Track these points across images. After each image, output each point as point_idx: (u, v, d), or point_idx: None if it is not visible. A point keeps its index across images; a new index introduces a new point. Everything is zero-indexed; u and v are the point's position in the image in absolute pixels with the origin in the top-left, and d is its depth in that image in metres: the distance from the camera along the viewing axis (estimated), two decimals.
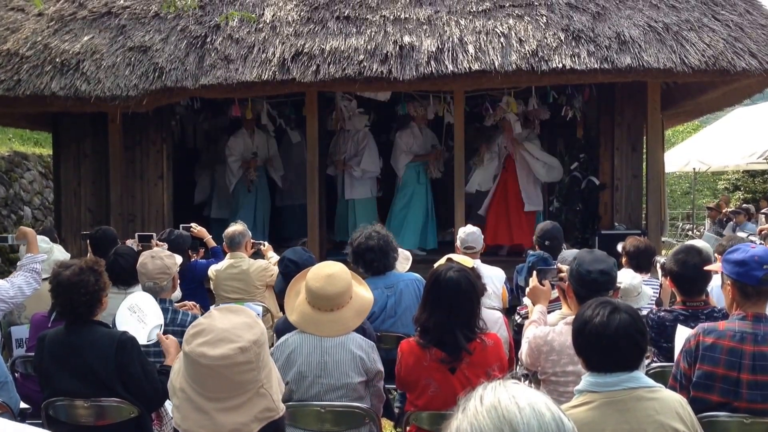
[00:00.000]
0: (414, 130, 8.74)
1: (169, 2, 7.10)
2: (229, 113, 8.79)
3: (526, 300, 4.37)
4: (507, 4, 7.46)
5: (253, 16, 7.50)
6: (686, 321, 3.37)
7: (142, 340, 3.27)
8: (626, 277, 4.16)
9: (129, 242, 5.55)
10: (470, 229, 5.36)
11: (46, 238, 4.97)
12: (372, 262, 4.25)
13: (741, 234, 9.54)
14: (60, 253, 5.06)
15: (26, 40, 7.65)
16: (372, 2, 7.62)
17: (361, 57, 6.99)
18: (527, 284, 4.00)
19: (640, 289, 4.16)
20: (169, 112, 8.42)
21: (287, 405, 3.05)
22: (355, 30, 7.33)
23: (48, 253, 4.62)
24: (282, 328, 3.63)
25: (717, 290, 4.15)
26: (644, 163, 8.22)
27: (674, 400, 2.27)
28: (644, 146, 8.25)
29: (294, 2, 7.79)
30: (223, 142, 9.13)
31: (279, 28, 7.47)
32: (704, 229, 15.62)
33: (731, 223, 12.53)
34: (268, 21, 7.57)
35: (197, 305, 4.37)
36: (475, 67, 6.82)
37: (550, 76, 6.98)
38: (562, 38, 6.99)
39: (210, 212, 9.34)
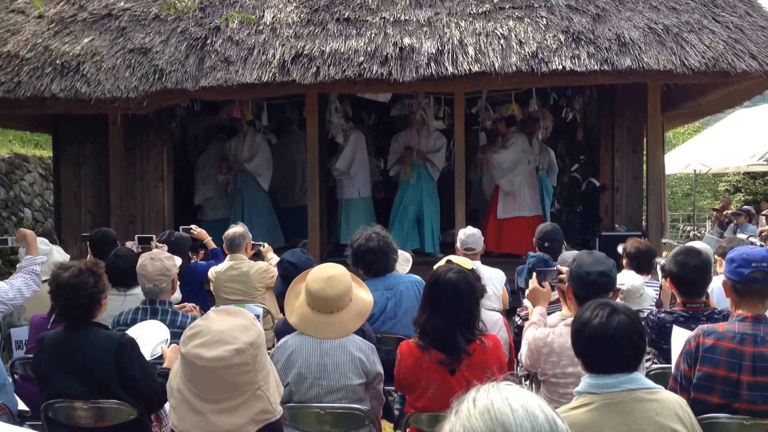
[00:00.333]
0: (410, 133, 8.72)
1: (169, 4, 7.12)
2: (223, 114, 8.78)
3: (526, 301, 4.36)
4: (507, 6, 7.46)
5: (253, 17, 7.51)
6: (686, 322, 3.37)
7: (146, 357, 3.27)
8: (629, 278, 4.16)
9: (129, 244, 5.55)
10: (470, 230, 5.36)
11: (46, 240, 4.97)
12: (372, 264, 4.24)
13: (741, 236, 9.53)
14: (59, 255, 5.06)
15: (26, 42, 7.66)
16: (372, 4, 7.63)
17: (361, 59, 6.99)
18: (527, 286, 3.99)
19: (642, 290, 4.16)
20: (169, 114, 8.43)
21: (287, 406, 3.05)
22: (355, 32, 7.33)
23: (47, 254, 4.62)
24: (282, 329, 3.63)
25: (717, 291, 4.15)
26: (645, 165, 8.22)
27: (674, 401, 2.27)
28: (645, 148, 8.24)
29: (294, 4, 7.80)
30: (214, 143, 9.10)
31: (279, 29, 7.48)
32: (705, 230, 15.62)
33: (732, 224, 12.54)
34: (268, 23, 7.58)
35: (197, 307, 4.37)
36: (475, 68, 6.82)
37: (550, 78, 6.98)
38: (562, 40, 6.99)
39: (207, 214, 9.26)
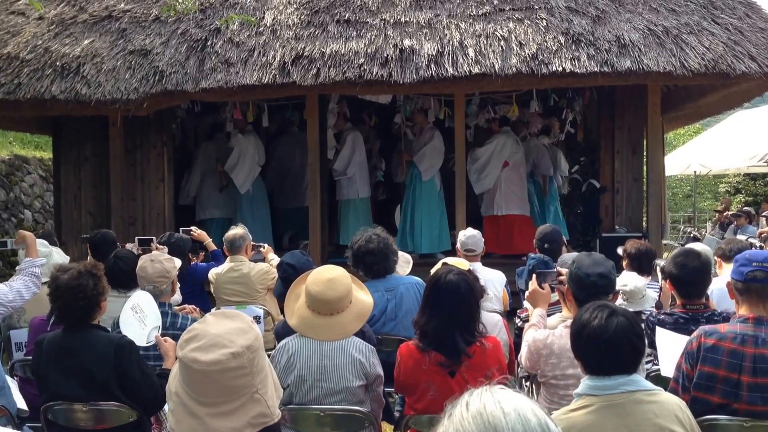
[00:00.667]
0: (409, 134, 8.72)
1: (170, 6, 7.12)
2: (222, 115, 8.78)
3: (526, 303, 4.36)
4: (507, 8, 7.47)
5: (254, 19, 7.51)
6: (686, 324, 3.37)
7: (142, 342, 3.27)
8: (631, 279, 4.15)
9: (129, 246, 5.54)
10: (470, 232, 5.35)
11: (45, 242, 4.97)
12: (372, 265, 4.24)
13: (741, 237, 9.52)
14: (59, 257, 5.06)
15: (27, 43, 7.66)
16: (372, 6, 7.63)
17: (362, 60, 7.00)
18: (527, 287, 3.99)
19: (644, 291, 4.15)
20: (169, 116, 8.44)
21: (287, 408, 3.05)
22: (355, 33, 7.34)
23: (47, 256, 4.62)
24: (282, 331, 3.63)
25: (717, 293, 4.15)
26: (645, 166, 8.22)
27: (673, 403, 2.27)
28: (645, 149, 8.24)
29: (294, 6, 7.80)
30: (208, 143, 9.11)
31: (279, 31, 7.48)
32: (705, 231, 15.61)
33: (732, 225, 12.53)
34: (268, 24, 7.59)
35: (197, 309, 4.36)
36: (476, 70, 6.82)
37: (550, 80, 6.98)
38: (562, 41, 6.99)
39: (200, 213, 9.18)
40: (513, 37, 7.08)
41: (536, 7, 7.44)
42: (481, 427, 1.12)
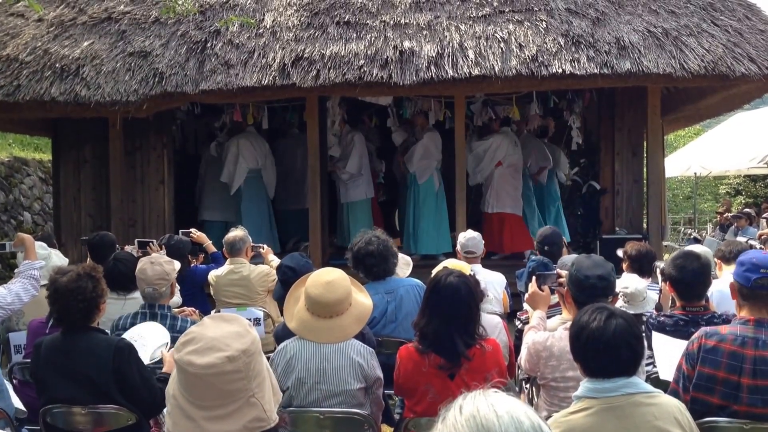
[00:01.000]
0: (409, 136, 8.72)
1: (169, 7, 7.13)
2: (224, 117, 8.78)
3: (526, 305, 4.35)
4: (507, 10, 7.48)
5: (253, 21, 7.52)
6: (686, 326, 3.36)
7: (145, 360, 3.26)
8: (632, 282, 4.14)
9: (128, 248, 5.54)
10: (470, 234, 5.34)
11: (44, 244, 4.97)
12: (372, 267, 4.23)
13: (741, 238, 9.52)
14: (58, 259, 5.06)
15: (26, 45, 7.67)
16: (372, 7, 7.64)
17: (362, 62, 7.00)
18: (527, 289, 3.98)
19: (645, 293, 4.15)
20: (169, 117, 8.44)
21: (286, 411, 3.04)
22: (355, 35, 7.34)
23: (46, 258, 4.62)
24: (281, 334, 3.62)
25: (717, 295, 4.15)
26: (645, 168, 8.22)
27: (673, 405, 2.27)
28: (645, 151, 8.24)
29: (294, 7, 7.81)
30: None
31: (279, 33, 7.48)
32: (705, 233, 15.60)
33: (733, 227, 12.52)
34: (268, 26, 7.59)
35: (196, 311, 4.36)
36: (476, 72, 6.82)
37: (550, 81, 6.99)
38: (562, 43, 7.00)
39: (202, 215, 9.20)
40: (513, 39, 7.09)
41: (536, 9, 7.45)
42: (474, 430, 1.13)
